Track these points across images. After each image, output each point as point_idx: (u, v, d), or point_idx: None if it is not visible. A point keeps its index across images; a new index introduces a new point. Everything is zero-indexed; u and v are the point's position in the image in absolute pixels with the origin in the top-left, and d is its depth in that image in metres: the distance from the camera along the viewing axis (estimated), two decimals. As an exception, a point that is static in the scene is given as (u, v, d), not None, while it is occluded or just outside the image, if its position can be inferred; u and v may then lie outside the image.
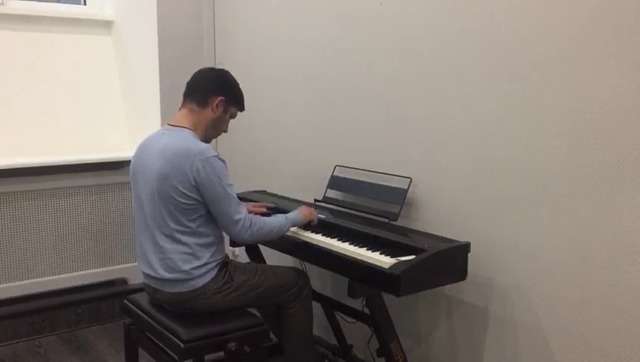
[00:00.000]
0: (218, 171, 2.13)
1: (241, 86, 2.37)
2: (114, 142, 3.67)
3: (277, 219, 2.30)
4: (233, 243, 2.76)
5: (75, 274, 3.39)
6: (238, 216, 2.17)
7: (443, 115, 2.30)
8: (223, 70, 2.39)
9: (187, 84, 2.32)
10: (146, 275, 2.28)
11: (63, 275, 3.36)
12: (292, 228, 2.38)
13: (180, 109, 2.31)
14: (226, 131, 2.38)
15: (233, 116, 2.36)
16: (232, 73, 2.37)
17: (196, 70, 2.36)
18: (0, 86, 3.33)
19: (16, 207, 3.18)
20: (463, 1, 2.18)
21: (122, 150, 3.54)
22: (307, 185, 2.96)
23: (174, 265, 2.17)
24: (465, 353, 2.34)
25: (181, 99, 2.32)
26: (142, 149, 2.29)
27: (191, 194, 2.13)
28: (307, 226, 2.42)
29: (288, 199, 2.89)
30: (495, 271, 2.18)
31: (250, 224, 2.20)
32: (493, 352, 2.23)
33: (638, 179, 1.75)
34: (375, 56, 2.55)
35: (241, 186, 3.19)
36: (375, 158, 2.59)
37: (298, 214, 2.37)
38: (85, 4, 3.69)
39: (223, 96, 2.28)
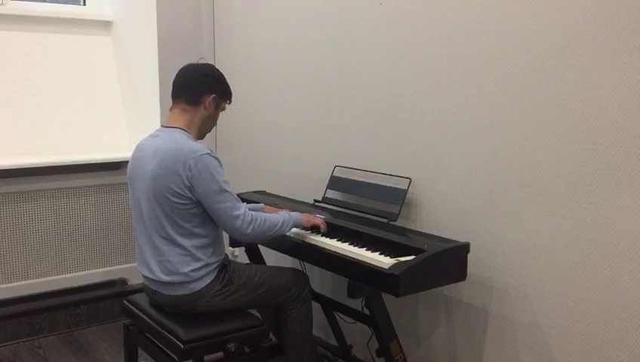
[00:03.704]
0: (211, 168, 2.11)
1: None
2: (113, 142, 3.66)
3: (279, 216, 2.27)
4: (233, 244, 2.76)
5: (74, 274, 3.39)
6: (237, 212, 2.15)
7: (443, 114, 2.30)
8: (208, 65, 2.35)
9: (175, 83, 2.28)
10: (145, 278, 2.28)
11: (62, 276, 3.35)
12: (292, 229, 2.36)
13: (171, 110, 2.29)
14: (215, 125, 2.39)
15: (223, 109, 2.36)
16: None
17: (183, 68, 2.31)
18: (-1, 86, 3.34)
19: (16, 207, 3.18)
20: (462, 1, 2.18)
21: (122, 150, 3.53)
22: (307, 185, 2.96)
23: (173, 267, 2.17)
24: (464, 353, 2.34)
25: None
26: (137, 152, 2.28)
27: (185, 194, 2.11)
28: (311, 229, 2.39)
29: (288, 199, 2.89)
30: (494, 271, 2.18)
31: (252, 219, 2.17)
32: (493, 352, 2.23)
33: (638, 179, 1.75)
34: (375, 57, 2.55)
35: (241, 186, 3.19)
36: (375, 158, 2.59)
37: (300, 215, 2.35)
38: (85, 4, 3.69)
39: (215, 93, 2.27)
